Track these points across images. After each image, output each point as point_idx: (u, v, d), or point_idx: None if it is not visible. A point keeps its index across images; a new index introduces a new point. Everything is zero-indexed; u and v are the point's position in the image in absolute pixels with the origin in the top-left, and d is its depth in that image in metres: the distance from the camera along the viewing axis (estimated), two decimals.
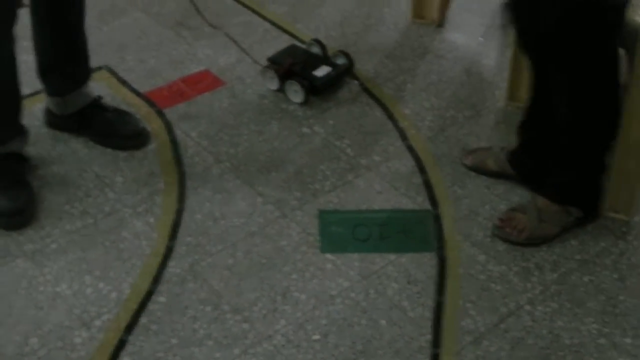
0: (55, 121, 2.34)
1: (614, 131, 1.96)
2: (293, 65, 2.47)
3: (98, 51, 2.60)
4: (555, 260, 1.98)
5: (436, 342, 1.81)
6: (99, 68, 2.57)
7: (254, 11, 2.86)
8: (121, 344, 1.80)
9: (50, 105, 2.32)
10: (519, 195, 2.16)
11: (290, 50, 2.58)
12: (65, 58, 2.21)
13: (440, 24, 2.80)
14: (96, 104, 2.31)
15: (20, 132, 2.17)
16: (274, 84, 2.49)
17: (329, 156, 2.28)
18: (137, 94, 2.50)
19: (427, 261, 1.99)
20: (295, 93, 2.45)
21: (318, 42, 2.59)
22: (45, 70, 2.23)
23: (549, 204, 2.01)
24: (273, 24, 2.78)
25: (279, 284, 1.94)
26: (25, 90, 2.24)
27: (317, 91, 2.46)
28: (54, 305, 1.88)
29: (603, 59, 1.85)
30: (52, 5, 2.12)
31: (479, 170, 2.22)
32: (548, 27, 1.79)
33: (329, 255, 2.00)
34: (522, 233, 2.00)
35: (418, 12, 2.82)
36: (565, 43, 1.80)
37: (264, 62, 2.53)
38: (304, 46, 2.62)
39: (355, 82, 2.55)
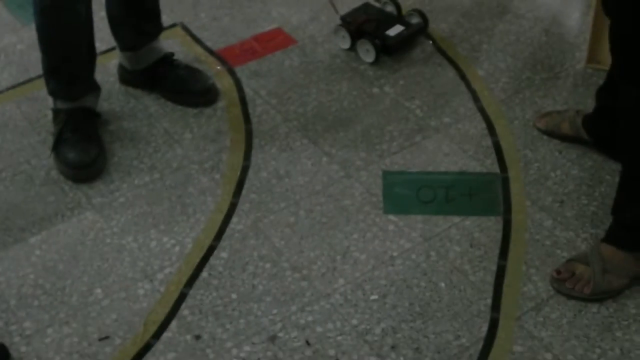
0: (127, 77, 2.38)
1: None
2: (365, 24, 2.44)
3: (173, 7, 2.63)
4: None
5: (496, 307, 1.77)
6: (174, 25, 2.59)
7: None
8: (182, 297, 1.84)
9: (122, 61, 2.35)
10: (592, 160, 2.08)
11: (364, 8, 2.54)
12: (136, 12, 2.23)
13: None
14: (167, 60, 2.34)
15: (94, 88, 2.22)
16: (346, 43, 2.46)
17: (397, 117, 2.24)
18: (210, 51, 2.51)
19: (491, 225, 1.94)
20: (367, 52, 2.41)
21: (394, 1, 2.54)
22: (116, 25, 2.26)
23: (614, 251, 1.80)
24: None
25: (339, 243, 1.93)
26: (100, 46, 2.29)
27: (389, 51, 2.42)
28: (119, 257, 1.93)
29: None
30: None
31: (553, 134, 2.14)
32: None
33: (391, 217, 1.98)
34: (585, 288, 1.78)
35: None
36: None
37: (339, 20, 2.50)
38: (378, 5, 2.57)
39: (429, 42, 2.49)
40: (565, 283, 1.79)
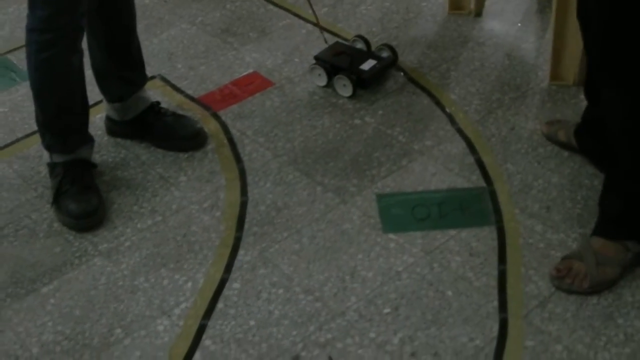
0: (116, 129, 2.45)
1: None
2: (339, 61, 2.57)
3: (149, 62, 2.71)
4: None
5: (503, 308, 1.88)
6: (152, 77, 2.68)
7: (295, 14, 2.95)
8: (202, 329, 1.89)
9: (110, 113, 2.42)
10: (570, 167, 2.22)
11: (335, 47, 2.67)
12: (120, 63, 2.32)
13: (478, 13, 2.88)
14: (155, 109, 2.42)
15: (88, 139, 2.28)
16: (322, 81, 2.59)
17: (382, 144, 2.36)
18: (191, 98, 2.60)
19: (486, 234, 2.06)
20: (344, 87, 2.53)
21: (361, 37, 2.68)
22: (102, 77, 2.34)
23: (604, 243, 1.92)
24: (315, 25, 2.88)
25: (346, 264, 2.02)
26: None
27: (365, 84, 2.55)
28: (134, 297, 1.98)
29: None
30: (104, 9, 2.21)
31: (551, 139, 2.30)
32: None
33: (391, 235, 2.08)
34: (583, 282, 1.89)
35: (455, 3, 2.90)
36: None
37: (311, 60, 2.63)
38: (348, 43, 2.71)
39: (401, 73, 2.63)
40: (565, 279, 1.90)
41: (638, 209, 1.91)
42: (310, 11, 2.71)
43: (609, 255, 1.90)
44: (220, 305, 1.95)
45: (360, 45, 2.68)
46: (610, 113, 1.86)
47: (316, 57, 2.62)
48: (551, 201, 2.13)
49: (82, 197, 2.19)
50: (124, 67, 2.34)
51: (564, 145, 2.27)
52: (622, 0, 1.69)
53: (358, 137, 2.40)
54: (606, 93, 1.85)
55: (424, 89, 2.56)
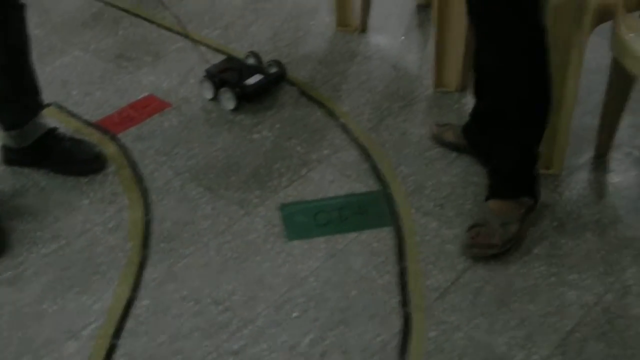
0: (13, 157, 2.43)
1: (547, 101, 2.04)
2: (227, 74, 2.64)
3: (44, 90, 2.68)
4: None
5: (405, 302, 1.97)
6: (47, 105, 2.67)
7: (188, 37, 3.01)
8: (112, 348, 1.90)
9: (6, 142, 2.40)
10: (458, 167, 2.35)
11: (227, 61, 2.75)
12: (16, 89, 2.30)
13: (363, 29, 3.00)
14: (52, 134, 2.41)
15: None
16: (209, 93, 2.66)
17: (281, 156, 2.43)
18: (89, 123, 2.61)
19: (385, 234, 2.15)
20: (228, 100, 2.62)
21: (254, 53, 2.76)
22: None
23: (501, 204, 2.09)
24: (208, 46, 2.93)
25: (253, 273, 2.07)
26: None
27: (249, 98, 2.63)
28: (41, 322, 1.97)
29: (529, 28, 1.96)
30: None
31: (439, 140, 2.42)
32: None
33: (295, 242, 2.15)
34: (493, 244, 2.04)
35: (341, 21, 3.02)
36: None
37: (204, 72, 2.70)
38: (240, 58, 2.79)
39: (294, 88, 2.72)
40: (476, 248, 2.05)
41: (526, 164, 2.09)
42: (193, 37, 2.77)
43: (508, 213, 2.07)
44: (130, 323, 1.96)
45: (252, 60, 2.76)
46: (492, 63, 2.01)
47: (206, 71, 2.69)
48: (444, 199, 2.25)
49: None
50: (20, 93, 2.33)
51: (452, 145, 2.39)
52: None
53: (257, 150, 2.46)
54: (487, 49, 2.00)
55: (317, 102, 2.65)
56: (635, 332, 1.86)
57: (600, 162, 2.36)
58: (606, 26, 2.11)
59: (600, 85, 2.28)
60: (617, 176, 2.31)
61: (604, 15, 2.08)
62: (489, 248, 2.04)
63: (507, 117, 2.06)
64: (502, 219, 2.05)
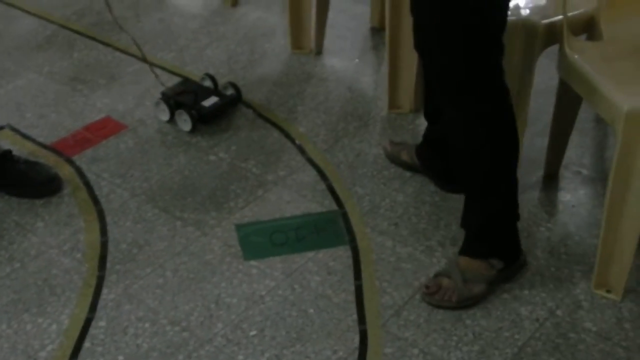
0: None
1: (513, 151, 1.98)
2: (183, 97, 2.66)
3: None
4: (454, 237, 2.20)
5: (362, 320, 1.99)
6: (1, 127, 2.66)
7: (143, 60, 3.01)
8: None
9: None
10: (412, 187, 2.39)
11: (182, 83, 2.77)
12: None
13: (319, 51, 3.05)
14: (6, 157, 2.40)
15: None
16: (165, 115, 2.67)
17: (237, 177, 2.45)
18: (43, 146, 2.60)
19: (342, 253, 2.18)
20: (185, 122, 2.63)
21: (210, 76, 2.78)
22: None
23: (469, 261, 2.03)
24: (164, 69, 2.94)
25: (210, 293, 2.08)
26: None
27: (205, 120, 2.65)
28: None
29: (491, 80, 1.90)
30: None
31: (394, 159, 2.44)
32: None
33: (252, 262, 2.16)
34: (452, 297, 2.00)
35: (296, 43, 3.06)
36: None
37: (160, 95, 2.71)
38: (196, 81, 2.81)
39: (250, 110, 2.74)
40: (435, 295, 2.01)
41: (495, 228, 2.03)
42: (148, 60, 2.79)
43: (474, 271, 2.02)
44: (87, 344, 1.95)
45: (208, 83, 2.78)
46: (453, 133, 1.99)
47: (162, 93, 2.71)
48: (398, 218, 2.29)
49: None
50: None
51: (406, 165, 2.42)
52: (446, 33, 1.85)
53: (213, 172, 2.48)
54: (447, 114, 1.98)
55: (273, 124, 2.68)
56: (585, 346, 1.91)
57: (550, 181, 2.42)
58: (554, 49, 2.18)
59: (550, 106, 2.35)
60: (567, 194, 2.37)
61: (551, 38, 2.15)
62: (445, 302, 2.01)
63: (471, 182, 2.03)
64: (467, 276, 2.01)
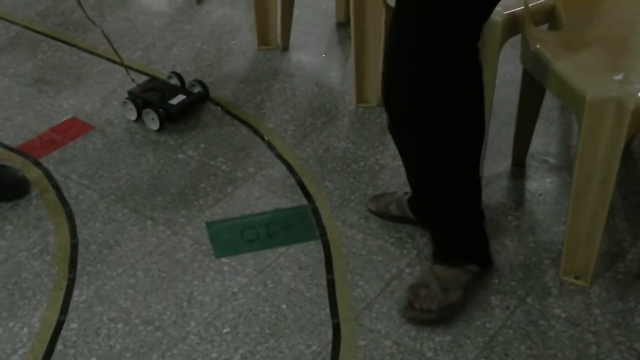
0: None
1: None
2: (150, 95, 2.65)
3: None
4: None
5: (334, 313, 2.00)
6: None
7: (109, 60, 3.00)
8: None
9: None
10: (382, 180, 2.40)
11: (149, 82, 2.76)
12: None
13: (285, 47, 3.05)
14: None
15: None
16: (132, 115, 2.67)
17: (206, 175, 2.45)
18: (10, 149, 2.58)
19: (313, 248, 2.19)
20: (153, 121, 2.62)
21: (176, 74, 2.77)
22: None
23: (444, 269, 2.00)
24: (130, 68, 2.93)
25: (182, 291, 2.08)
26: None
27: (173, 118, 2.64)
28: None
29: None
30: None
31: (384, 215, 2.26)
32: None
33: (224, 259, 2.16)
34: (431, 306, 1.96)
35: (263, 40, 3.06)
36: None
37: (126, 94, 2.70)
38: (163, 79, 2.80)
39: (218, 107, 2.74)
40: (414, 306, 1.96)
41: (461, 236, 2.01)
42: (116, 54, 2.77)
43: (450, 278, 1.99)
44: (59, 346, 1.94)
45: (174, 81, 2.77)
46: (407, 158, 1.96)
47: (129, 92, 2.70)
48: (368, 212, 2.30)
49: None
50: None
51: (399, 219, 2.24)
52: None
53: (183, 170, 2.47)
54: (401, 144, 1.96)
55: (241, 121, 2.68)
56: (555, 333, 1.94)
57: (517, 170, 2.45)
58: (517, 39, 2.20)
59: (515, 96, 2.37)
60: (534, 183, 2.40)
61: (513, 28, 2.17)
62: (426, 313, 1.96)
63: (427, 196, 2.01)
64: (444, 284, 1.97)
